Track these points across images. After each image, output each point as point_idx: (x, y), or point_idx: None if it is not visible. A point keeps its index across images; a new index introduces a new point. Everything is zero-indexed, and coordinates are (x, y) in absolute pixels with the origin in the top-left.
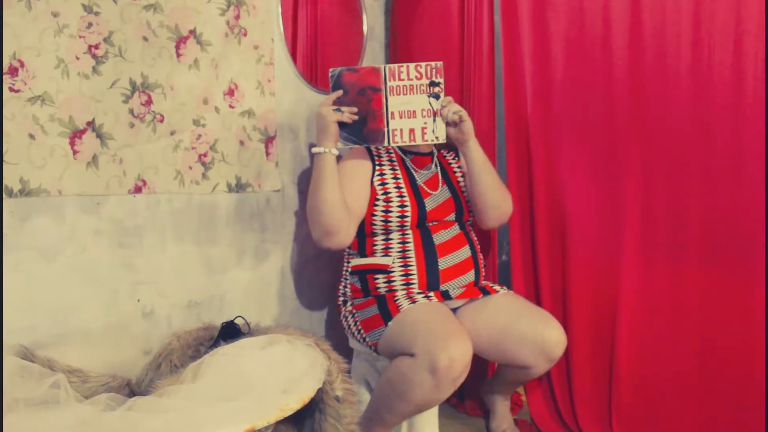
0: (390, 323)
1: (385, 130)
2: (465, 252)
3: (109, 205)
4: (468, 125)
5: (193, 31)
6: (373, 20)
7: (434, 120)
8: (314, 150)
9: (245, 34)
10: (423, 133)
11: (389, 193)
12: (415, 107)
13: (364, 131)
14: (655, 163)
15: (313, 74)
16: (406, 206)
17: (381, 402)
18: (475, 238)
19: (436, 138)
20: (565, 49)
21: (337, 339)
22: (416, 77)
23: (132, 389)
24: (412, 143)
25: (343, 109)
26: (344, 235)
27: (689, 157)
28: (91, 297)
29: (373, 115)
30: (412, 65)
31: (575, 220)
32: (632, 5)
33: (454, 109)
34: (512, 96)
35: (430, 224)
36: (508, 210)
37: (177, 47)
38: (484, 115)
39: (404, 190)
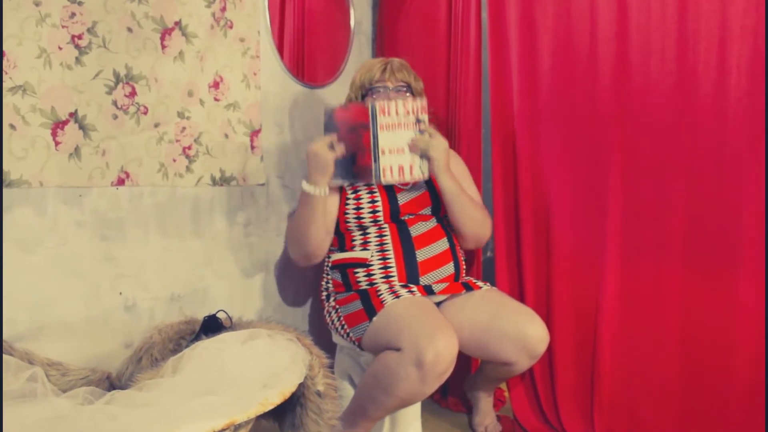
0: (374, 318)
1: (374, 166)
2: (443, 244)
3: (91, 198)
4: (436, 162)
5: (178, 23)
6: (360, 15)
7: (421, 156)
8: (306, 188)
9: (231, 27)
10: (411, 170)
11: (359, 191)
12: (403, 144)
13: (354, 169)
14: (640, 161)
15: (300, 68)
16: (376, 201)
17: (366, 396)
18: (454, 233)
19: (423, 174)
20: (551, 47)
21: (320, 334)
22: (404, 114)
23: (112, 383)
24: (401, 180)
25: (335, 146)
26: (322, 256)
27: (673, 155)
28: (72, 290)
29: (363, 153)
30: (400, 102)
31: (559, 217)
32: (618, 4)
33: (421, 145)
34: (498, 94)
35: (406, 218)
36: (485, 235)
37: (162, 39)
38: (470, 112)
39: (374, 186)
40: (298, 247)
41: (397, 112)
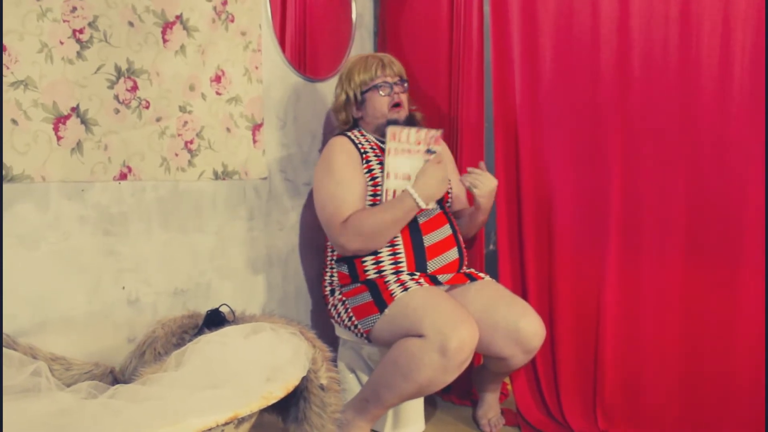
0: (387, 310)
1: (381, 189)
2: (447, 230)
3: (93, 192)
4: (484, 203)
5: (179, 17)
6: (362, 8)
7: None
8: (422, 203)
9: (233, 20)
10: None
11: (376, 177)
12: (410, 171)
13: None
14: (642, 157)
15: (302, 61)
16: (387, 193)
17: (382, 381)
18: (454, 219)
19: (426, 204)
20: (553, 40)
21: (323, 327)
22: (415, 142)
23: (115, 377)
24: None
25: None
26: None
27: (675, 149)
28: (75, 284)
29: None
30: (413, 130)
31: (561, 211)
32: None
33: (471, 181)
34: (501, 88)
35: None
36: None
37: (163, 33)
38: (472, 106)
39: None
40: (373, 243)
41: (408, 140)
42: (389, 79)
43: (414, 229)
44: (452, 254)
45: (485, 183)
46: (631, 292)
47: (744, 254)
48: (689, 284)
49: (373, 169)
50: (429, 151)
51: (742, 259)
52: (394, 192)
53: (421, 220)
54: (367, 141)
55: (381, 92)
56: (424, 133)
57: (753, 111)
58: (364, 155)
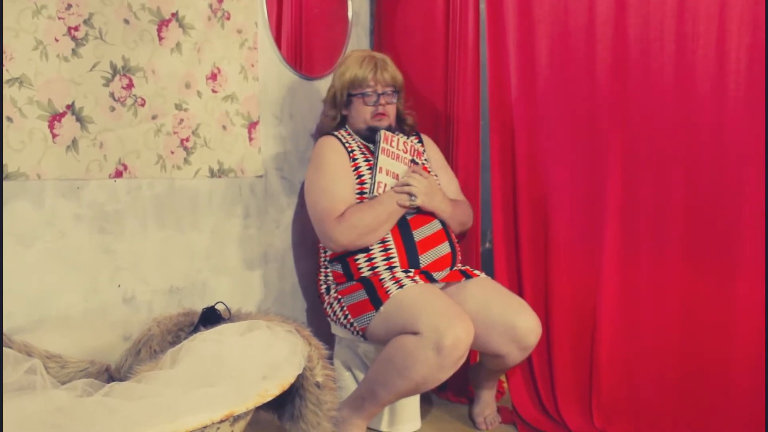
0: (382, 307)
1: (371, 180)
2: (436, 225)
3: (89, 190)
4: (422, 204)
5: (175, 14)
6: (358, 6)
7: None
8: (418, 203)
9: (228, 18)
10: None
11: (363, 176)
12: (399, 171)
13: None
14: (638, 155)
15: (298, 59)
16: (379, 185)
17: (377, 379)
18: None
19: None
20: (549, 37)
21: (318, 325)
22: (403, 150)
23: (111, 375)
24: None
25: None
26: None
27: (672, 149)
28: (70, 282)
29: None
30: (402, 139)
31: (558, 210)
32: None
33: (405, 190)
34: (497, 86)
35: None
36: (469, 224)
37: (159, 30)
38: (468, 104)
39: (374, 171)
40: (368, 238)
41: (397, 146)
42: (378, 89)
43: (403, 225)
44: (444, 248)
45: (418, 186)
46: (629, 289)
47: (743, 253)
48: (687, 283)
49: (360, 167)
50: (413, 161)
51: (741, 258)
52: (385, 186)
53: (410, 216)
54: (354, 140)
55: (366, 102)
56: (410, 144)
57: (751, 110)
58: (351, 153)
